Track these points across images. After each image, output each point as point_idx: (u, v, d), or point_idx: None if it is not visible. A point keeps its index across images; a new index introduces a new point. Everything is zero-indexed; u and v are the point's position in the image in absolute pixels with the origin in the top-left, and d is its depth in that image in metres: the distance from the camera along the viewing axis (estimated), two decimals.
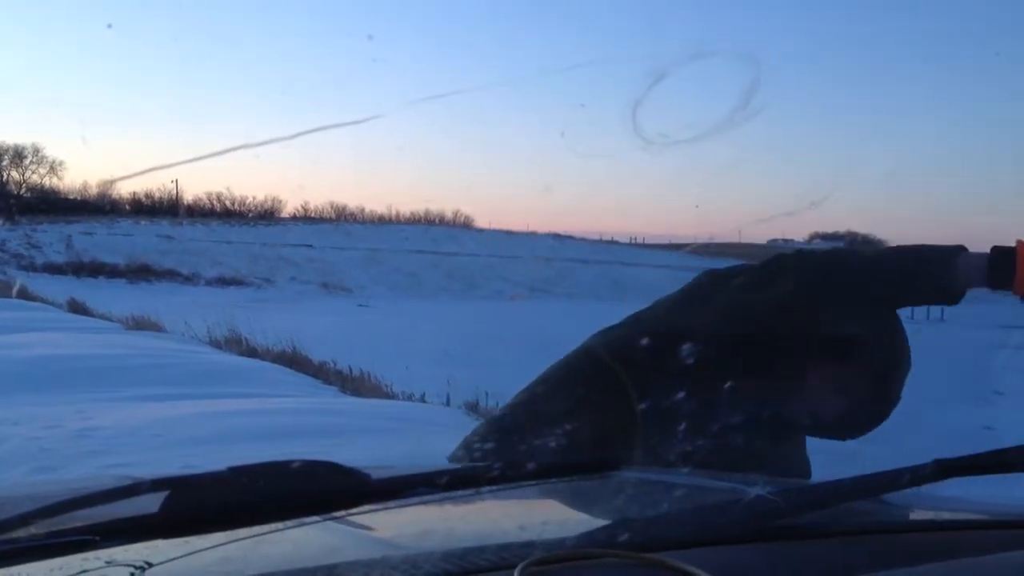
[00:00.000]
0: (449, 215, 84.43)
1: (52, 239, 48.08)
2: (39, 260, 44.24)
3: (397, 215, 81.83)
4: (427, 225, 77.38)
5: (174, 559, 0.84)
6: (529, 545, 0.83)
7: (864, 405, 1.96)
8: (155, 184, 73.67)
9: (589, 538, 0.85)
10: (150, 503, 0.80)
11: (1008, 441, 1.07)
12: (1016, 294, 1.84)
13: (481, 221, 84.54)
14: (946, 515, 1.12)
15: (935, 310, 42.06)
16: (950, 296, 1.86)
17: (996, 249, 1.81)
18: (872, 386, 1.94)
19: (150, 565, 0.80)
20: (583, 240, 73.58)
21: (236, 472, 0.83)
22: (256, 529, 0.90)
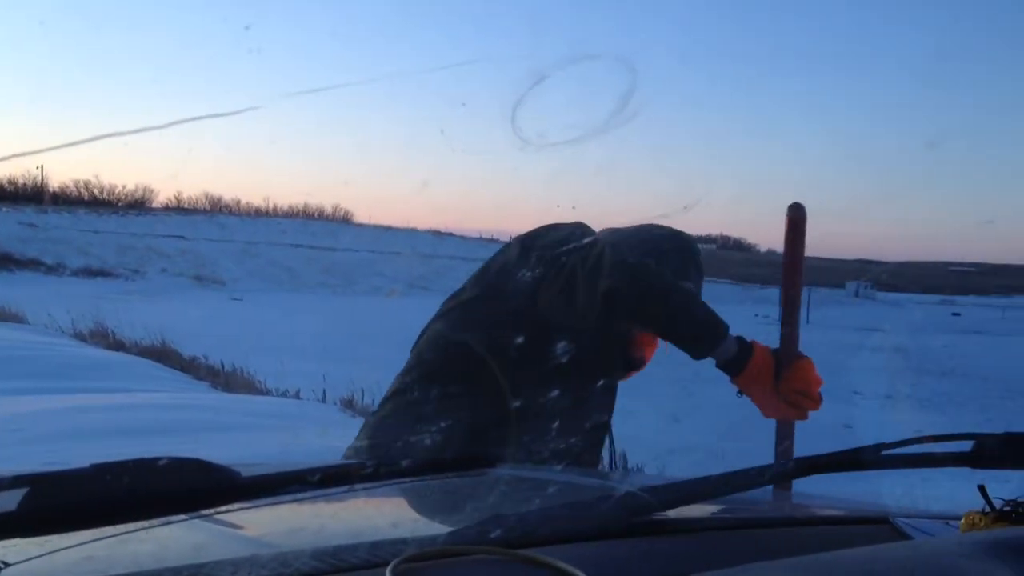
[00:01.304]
0: (329, 209, 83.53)
1: None
2: None
3: (275, 208, 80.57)
4: (306, 219, 76.37)
5: (33, 558, 0.81)
6: (401, 542, 0.83)
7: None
8: (18, 170, 70.61)
9: (461, 535, 0.86)
10: (8, 501, 0.77)
11: (865, 439, 1.12)
12: (734, 384, 2.01)
13: (361, 216, 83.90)
14: (804, 511, 1.16)
15: (801, 311, 43.52)
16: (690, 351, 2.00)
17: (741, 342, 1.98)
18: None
19: (7, 564, 0.77)
20: (463, 237, 73.70)
21: (100, 469, 0.81)
22: (121, 528, 0.87)
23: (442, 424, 1.87)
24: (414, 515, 1.19)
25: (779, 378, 1.95)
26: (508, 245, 2.16)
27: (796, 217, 1.99)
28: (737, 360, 1.94)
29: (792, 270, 2.01)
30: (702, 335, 1.95)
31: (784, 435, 2.04)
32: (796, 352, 1.99)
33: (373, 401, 8.96)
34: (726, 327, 1.96)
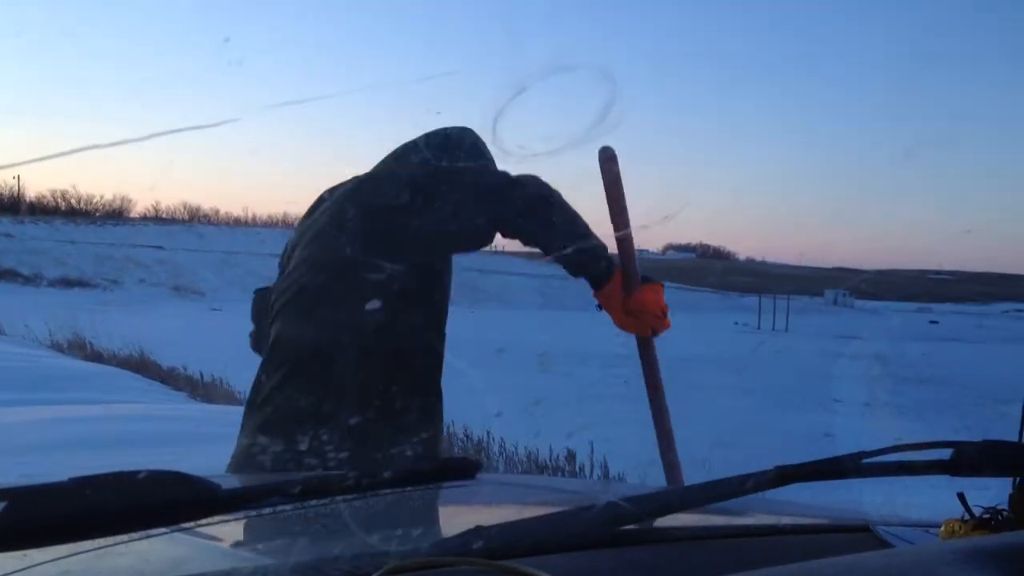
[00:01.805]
0: None
1: None
2: None
3: (254, 218, 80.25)
4: (285, 228, 75.98)
5: (11, 573, 0.80)
6: (383, 554, 0.82)
7: None
8: None
9: (443, 546, 0.85)
10: None
11: (845, 447, 1.12)
12: (595, 298, 2.22)
13: None
14: (786, 519, 1.16)
15: (780, 321, 43.82)
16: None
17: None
18: None
19: None
20: None
21: (79, 482, 0.80)
22: (100, 541, 0.86)
23: (329, 421, 1.92)
24: (395, 526, 1.18)
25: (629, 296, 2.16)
26: (314, 221, 2.26)
27: (607, 157, 2.13)
28: (605, 274, 2.13)
29: (616, 211, 2.15)
30: (598, 256, 2.12)
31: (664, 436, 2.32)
32: (645, 277, 2.20)
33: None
34: (604, 245, 2.13)
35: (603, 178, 2.13)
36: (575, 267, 2.12)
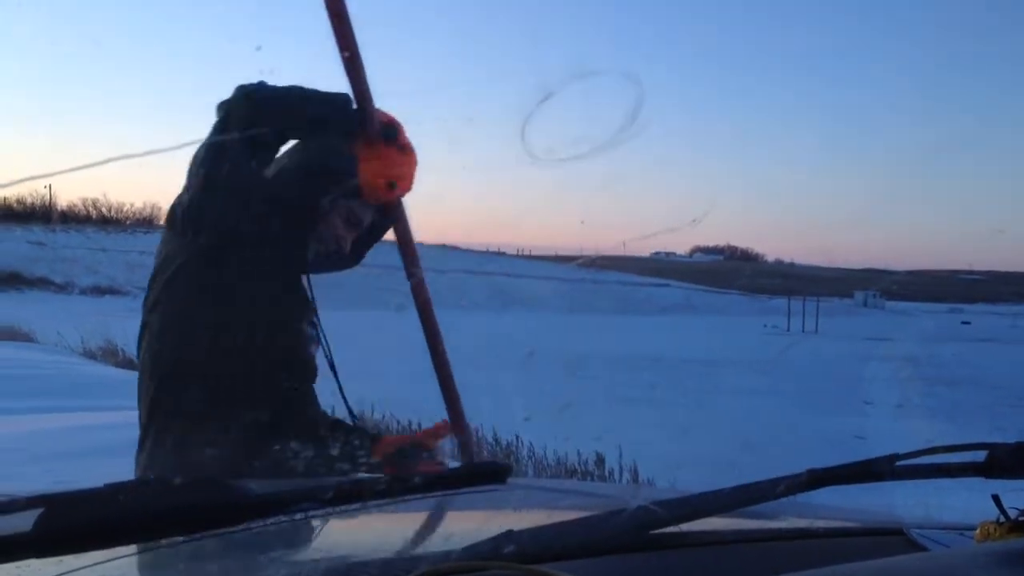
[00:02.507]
0: None
1: None
2: None
3: None
4: None
5: None
6: (415, 559, 0.83)
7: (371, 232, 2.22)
8: (27, 189, 70.98)
9: (474, 550, 0.85)
10: (22, 521, 0.77)
11: (877, 450, 1.11)
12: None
13: None
14: (819, 523, 1.16)
15: (809, 323, 43.56)
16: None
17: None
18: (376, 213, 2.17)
19: None
20: (470, 251, 73.79)
21: (113, 489, 0.81)
22: (135, 547, 0.87)
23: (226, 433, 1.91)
24: (427, 531, 1.19)
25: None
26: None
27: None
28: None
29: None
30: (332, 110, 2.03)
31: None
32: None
33: (383, 416, 8.97)
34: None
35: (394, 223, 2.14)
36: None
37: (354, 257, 2.30)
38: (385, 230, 2.24)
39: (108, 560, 0.85)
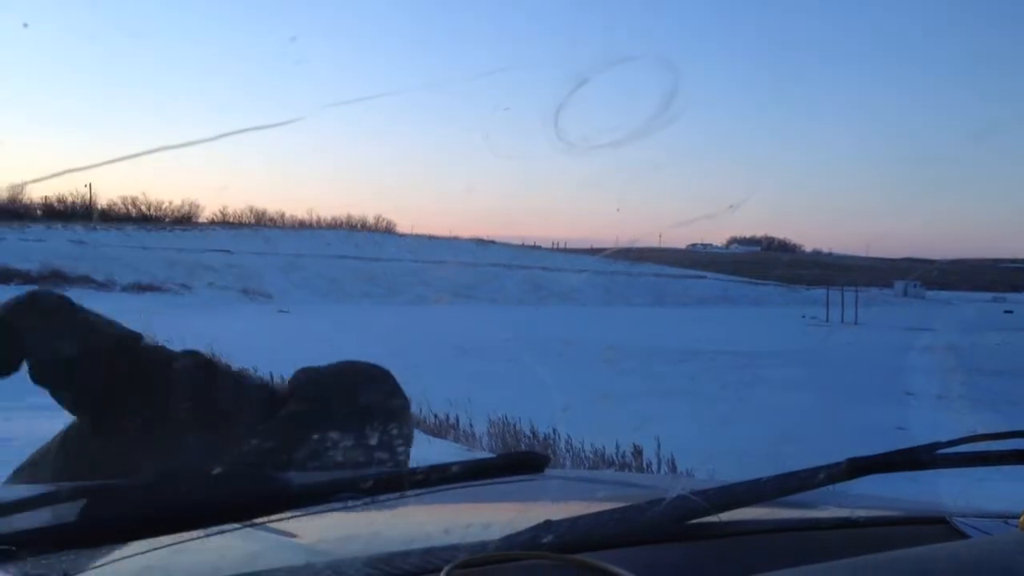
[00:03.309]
0: (371, 220, 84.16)
1: None
2: None
3: (318, 220, 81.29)
4: (349, 230, 76.88)
5: (93, 568, 0.82)
6: (453, 548, 0.83)
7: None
8: (67, 188, 71.88)
9: (513, 540, 0.86)
10: (68, 512, 0.78)
11: (918, 440, 1.10)
12: None
13: (403, 226, 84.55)
14: (860, 512, 1.15)
15: (849, 313, 43.15)
16: None
17: None
18: None
19: (68, 575, 0.78)
20: (505, 245, 73.82)
21: (155, 480, 0.82)
22: (177, 537, 0.88)
23: None
24: (465, 520, 1.19)
25: None
26: None
27: None
28: None
29: None
30: None
31: None
32: None
33: (421, 410, 9.00)
34: None
35: None
36: None
37: None
38: None
39: (151, 550, 0.86)
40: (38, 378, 2.01)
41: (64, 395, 2.03)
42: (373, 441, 1.89)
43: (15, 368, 2.03)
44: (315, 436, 1.88)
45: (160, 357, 2.08)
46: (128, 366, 2.02)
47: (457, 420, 8.97)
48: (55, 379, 2.01)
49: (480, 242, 73.50)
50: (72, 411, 2.05)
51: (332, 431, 1.87)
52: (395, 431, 1.95)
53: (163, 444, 1.93)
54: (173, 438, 1.94)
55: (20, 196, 68.04)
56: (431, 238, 73.40)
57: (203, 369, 2.09)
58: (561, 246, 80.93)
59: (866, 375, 17.79)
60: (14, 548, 0.83)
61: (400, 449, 1.94)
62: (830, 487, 1.10)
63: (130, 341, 2.07)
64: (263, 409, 1.99)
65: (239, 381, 2.10)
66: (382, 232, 79.53)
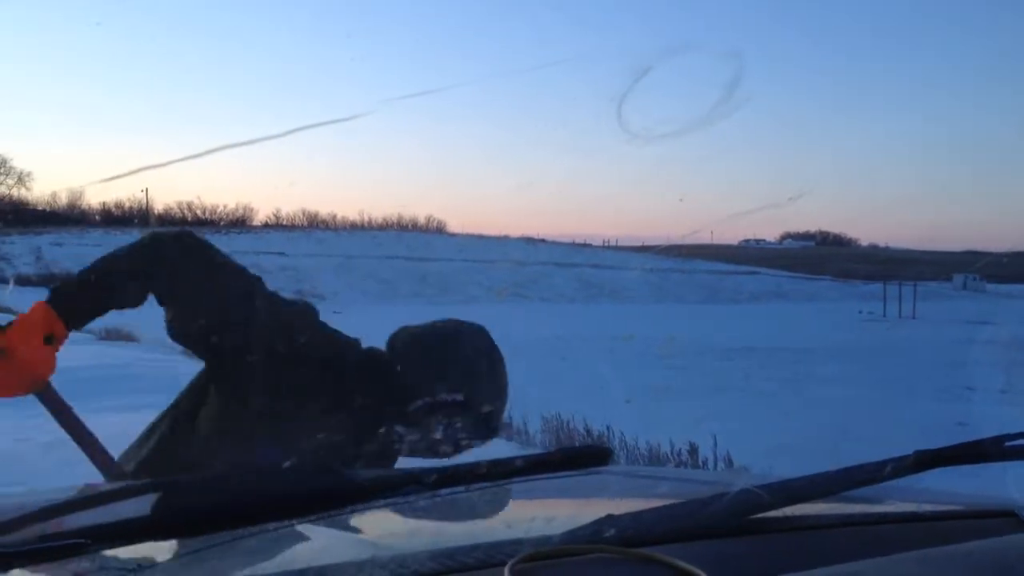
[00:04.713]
0: (422, 220, 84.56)
1: (21, 251, 47.65)
2: (8, 272, 43.83)
3: (369, 221, 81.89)
4: (400, 231, 77.36)
5: (165, 561, 0.84)
6: (517, 542, 0.83)
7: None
8: (125, 194, 73.24)
9: (576, 534, 0.86)
10: (141, 506, 0.80)
11: (980, 436, 1.09)
12: None
13: (454, 226, 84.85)
14: (926, 506, 1.13)
15: (906, 308, 42.48)
16: None
17: None
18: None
19: (142, 568, 0.80)
20: (556, 243, 73.78)
21: (226, 474, 0.84)
22: (246, 530, 0.89)
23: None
24: (528, 515, 1.19)
25: None
26: None
27: None
28: None
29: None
30: None
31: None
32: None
33: None
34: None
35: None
36: None
37: None
38: None
39: (222, 543, 0.88)
40: (176, 321, 2.02)
41: (198, 340, 2.05)
42: (476, 395, 1.95)
43: (142, 300, 2.08)
44: (424, 392, 1.92)
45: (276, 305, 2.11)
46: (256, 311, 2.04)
47: (511, 418, 8.99)
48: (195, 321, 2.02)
49: (530, 241, 73.52)
50: (204, 353, 2.08)
51: (439, 386, 1.92)
52: (497, 383, 2.02)
53: (276, 394, 1.95)
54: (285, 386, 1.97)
55: (79, 202, 69.42)
56: (481, 237, 73.57)
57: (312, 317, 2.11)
58: (612, 244, 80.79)
59: (924, 370, 17.52)
60: (89, 541, 0.85)
61: (499, 402, 2.02)
62: (893, 482, 1.09)
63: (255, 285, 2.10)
64: (368, 369, 2.02)
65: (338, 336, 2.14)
66: (433, 232, 79.93)
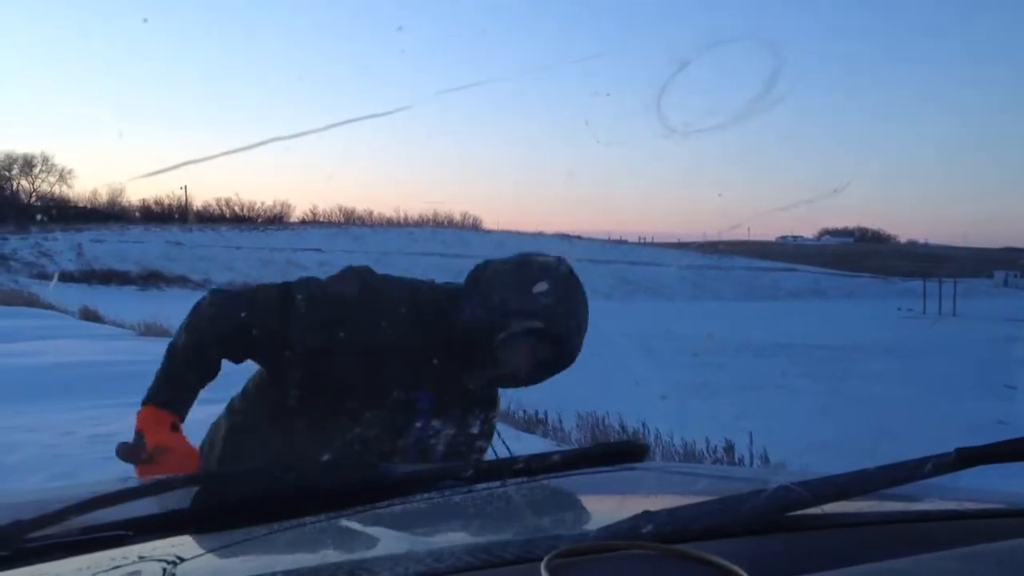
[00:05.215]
0: (457, 217, 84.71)
1: (63, 247, 48.29)
2: (50, 268, 44.44)
3: (405, 218, 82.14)
4: (435, 227, 77.52)
5: (205, 553, 0.85)
6: (554, 537, 0.83)
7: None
8: (164, 191, 74.02)
9: (613, 530, 0.86)
10: (181, 499, 0.81)
11: (1021, 435, 1.07)
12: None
13: (489, 222, 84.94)
14: (967, 504, 1.12)
15: (946, 305, 41.99)
16: None
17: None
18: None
19: (182, 560, 0.81)
20: (591, 240, 73.60)
21: (265, 468, 0.84)
22: (285, 523, 0.90)
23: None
24: (565, 510, 1.19)
25: None
26: None
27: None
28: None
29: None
30: None
31: None
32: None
33: (510, 407, 9.04)
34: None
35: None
36: None
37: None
38: None
39: (261, 536, 0.88)
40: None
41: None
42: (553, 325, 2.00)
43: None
44: (504, 321, 1.98)
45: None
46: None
47: (546, 415, 8.98)
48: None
49: (565, 237, 73.43)
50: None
51: (518, 316, 1.97)
52: (576, 317, 2.09)
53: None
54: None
55: (119, 199, 70.24)
56: (517, 234, 73.56)
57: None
58: (648, 240, 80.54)
59: (964, 368, 17.30)
60: (130, 533, 0.86)
61: (576, 336, 2.10)
62: (932, 480, 1.08)
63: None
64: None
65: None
66: (468, 228, 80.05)
